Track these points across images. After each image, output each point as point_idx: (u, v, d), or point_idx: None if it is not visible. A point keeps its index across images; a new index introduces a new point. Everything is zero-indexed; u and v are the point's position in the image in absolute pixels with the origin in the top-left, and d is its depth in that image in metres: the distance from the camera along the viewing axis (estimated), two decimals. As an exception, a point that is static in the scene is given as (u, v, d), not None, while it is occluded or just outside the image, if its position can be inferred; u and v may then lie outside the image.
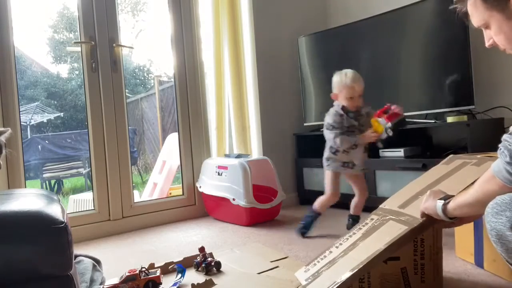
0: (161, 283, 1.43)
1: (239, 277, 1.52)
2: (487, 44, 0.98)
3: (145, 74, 7.96)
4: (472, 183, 1.00)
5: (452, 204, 1.02)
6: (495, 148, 0.89)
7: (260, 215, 2.41)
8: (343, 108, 1.97)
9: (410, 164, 2.23)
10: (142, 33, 8.09)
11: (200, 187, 2.69)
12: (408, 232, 1.12)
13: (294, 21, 3.10)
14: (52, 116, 6.24)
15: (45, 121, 6.20)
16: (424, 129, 2.51)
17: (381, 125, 1.84)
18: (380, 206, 1.37)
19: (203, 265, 1.59)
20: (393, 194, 1.41)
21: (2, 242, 0.86)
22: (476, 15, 0.95)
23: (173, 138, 3.73)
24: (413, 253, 1.20)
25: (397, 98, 2.48)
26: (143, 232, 2.44)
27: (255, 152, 2.92)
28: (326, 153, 2.04)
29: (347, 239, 1.27)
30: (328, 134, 1.99)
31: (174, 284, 1.43)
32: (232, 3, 2.80)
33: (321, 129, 2.87)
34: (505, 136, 0.85)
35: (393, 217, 1.23)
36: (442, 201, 1.04)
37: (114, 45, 2.50)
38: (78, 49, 2.48)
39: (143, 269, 1.44)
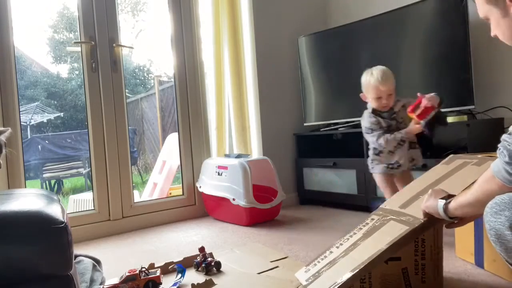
0: (161, 283, 1.43)
1: (239, 277, 1.51)
2: (491, 34, 0.98)
3: (145, 74, 7.96)
4: (473, 183, 1.00)
5: (453, 204, 1.02)
6: (495, 148, 0.89)
7: (260, 215, 2.41)
8: (373, 112, 1.86)
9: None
10: (142, 33, 8.10)
11: (200, 187, 2.68)
12: (409, 232, 1.12)
13: (294, 21, 3.10)
14: (52, 116, 6.24)
15: (45, 121, 6.19)
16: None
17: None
18: (381, 206, 1.37)
19: (203, 265, 1.59)
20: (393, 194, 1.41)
21: (2, 242, 0.86)
22: (478, 7, 0.97)
23: (173, 138, 3.73)
24: (414, 253, 1.20)
25: (397, 98, 2.48)
26: (143, 232, 2.44)
27: (255, 152, 2.92)
28: (370, 155, 1.92)
29: (348, 239, 1.27)
30: (369, 138, 1.87)
31: (174, 284, 1.43)
32: (232, 3, 2.80)
33: (321, 129, 2.89)
34: (504, 136, 0.85)
35: (394, 217, 1.23)
36: (444, 201, 1.04)
37: (114, 45, 2.50)
38: (78, 49, 2.48)
39: (143, 269, 1.44)
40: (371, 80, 1.81)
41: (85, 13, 2.41)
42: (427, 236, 1.21)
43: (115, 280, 1.43)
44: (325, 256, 1.27)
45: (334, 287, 1.08)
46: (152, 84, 6.73)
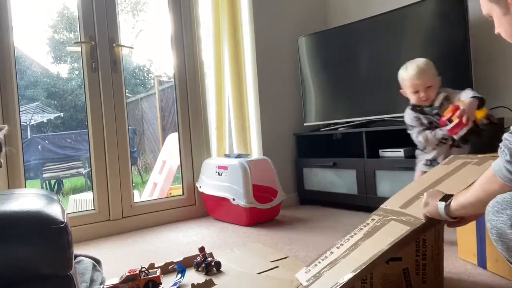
0: (161, 283, 1.43)
1: (239, 277, 1.51)
2: (495, 32, 0.98)
3: (145, 74, 7.96)
4: (473, 182, 1.00)
5: (454, 205, 1.02)
6: (495, 148, 0.89)
7: (260, 215, 2.41)
8: (414, 108, 1.77)
9: (410, 164, 2.22)
10: (142, 33, 8.10)
11: (200, 187, 2.68)
12: (410, 233, 1.12)
13: (294, 21, 3.10)
14: (52, 116, 6.25)
15: (45, 121, 6.20)
16: (424, 129, 2.51)
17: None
18: (381, 206, 1.37)
19: (203, 265, 1.59)
20: (394, 194, 1.41)
21: (2, 242, 0.86)
22: (482, 4, 0.98)
23: (173, 138, 3.73)
24: (415, 254, 1.20)
25: (398, 98, 2.48)
26: (143, 232, 2.44)
27: (255, 152, 2.92)
28: (417, 150, 1.85)
29: (348, 239, 1.27)
30: (411, 134, 1.80)
31: (174, 284, 1.43)
32: (232, 3, 2.80)
33: (321, 129, 2.89)
34: (505, 135, 0.85)
35: (395, 218, 1.23)
36: (443, 203, 1.04)
37: (114, 45, 2.50)
38: (78, 49, 2.48)
39: (143, 269, 1.44)
40: (405, 74, 1.75)
41: (85, 13, 2.41)
42: (428, 237, 1.20)
43: (115, 280, 1.43)
44: (326, 257, 1.27)
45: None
46: (152, 84, 6.74)
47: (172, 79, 2.88)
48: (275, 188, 2.52)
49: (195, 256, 1.66)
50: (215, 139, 2.87)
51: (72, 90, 6.60)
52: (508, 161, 0.82)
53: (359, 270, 1.07)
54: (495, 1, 0.91)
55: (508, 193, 0.86)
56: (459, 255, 1.58)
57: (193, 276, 1.55)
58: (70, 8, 6.96)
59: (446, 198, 1.05)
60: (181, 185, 2.89)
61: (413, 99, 1.75)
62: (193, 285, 1.35)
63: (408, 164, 2.24)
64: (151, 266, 1.56)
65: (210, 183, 2.59)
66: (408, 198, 1.30)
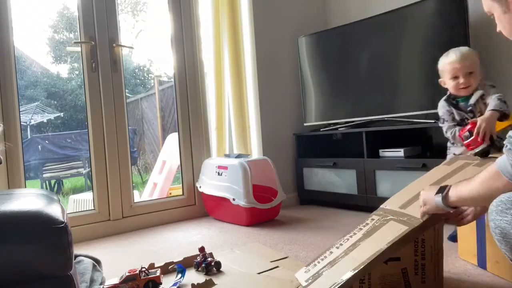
0: (161, 283, 1.43)
1: (239, 277, 1.51)
2: (497, 30, 0.98)
3: (145, 74, 7.97)
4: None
5: (453, 195, 0.99)
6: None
7: (260, 215, 2.41)
8: (448, 99, 1.65)
9: (410, 164, 2.23)
10: (142, 33, 8.10)
11: (200, 187, 2.68)
12: (408, 233, 1.12)
13: (294, 21, 3.10)
14: (52, 116, 6.25)
15: (45, 121, 6.20)
16: (424, 129, 2.52)
17: None
18: (381, 206, 1.37)
19: (203, 265, 1.59)
20: (394, 194, 1.41)
21: (2, 242, 0.86)
22: (483, 2, 0.97)
23: (173, 138, 3.73)
24: (414, 254, 1.20)
25: (398, 98, 2.48)
26: (143, 232, 2.44)
27: (255, 152, 2.92)
28: (448, 141, 1.75)
29: (348, 239, 1.27)
30: (442, 128, 1.70)
31: (174, 284, 1.43)
32: (232, 3, 2.80)
33: (321, 129, 2.89)
34: (511, 133, 0.84)
35: (394, 218, 1.23)
36: (440, 194, 1.02)
37: (114, 45, 2.50)
38: (78, 49, 2.48)
39: (143, 269, 1.44)
40: (445, 59, 1.62)
41: (85, 13, 2.42)
42: (427, 236, 1.20)
43: (115, 280, 1.43)
44: (325, 257, 1.27)
45: (335, 287, 1.08)
46: (152, 84, 6.74)
47: (172, 79, 2.88)
48: (275, 188, 2.52)
49: (195, 256, 1.66)
50: (215, 139, 2.87)
51: (72, 90, 6.60)
52: None
53: (357, 270, 1.08)
54: (496, 0, 0.92)
55: None
56: (459, 255, 1.58)
57: (193, 276, 1.56)
58: (70, 8, 6.96)
59: (442, 190, 1.03)
60: (181, 185, 2.89)
61: (451, 86, 1.61)
62: (193, 285, 1.35)
63: (408, 164, 2.24)
64: (151, 266, 1.56)
65: (210, 183, 2.59)
66: (408, 198, 1.30)
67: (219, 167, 2.54)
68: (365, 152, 2.48)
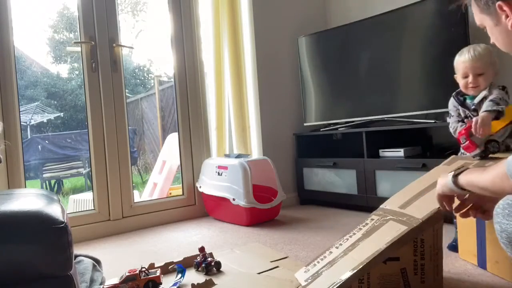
0: (161, 283, 1.43)
1: (239, 277, 1.52)
2: (490, 42, 0.98)
3: (145, 74, 7.97)
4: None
5: (463, 178, 0.98)
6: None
7: (260, 215, 2.41)
8: (456, 95, 1.67)
9: (410, 164, 2.23)
10: (142, 33, 8.10)
11: (200, 187, 2.69)
12: (408, 232, 1.12)
13: (294, 21, 3.10)
14: (52, 116, 6.25)
15: (45, 121, 6.20)
16: (424, 129, 2.52)
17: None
18: (381, 206, 1.37)
19: (203, 265, 1.59)
20: (394, 194, 1.41)
21: (2, 242, 0.86)
22: (475, 14, 0.98)
23: (173, 138, 3.73)
24: (413, 254, 1.20)
25: (398, 98, 2.48)
26: (143, 232, 2.44)
27: (255, 152, 2.92)
28: None
29: (347, 239, 1.27)
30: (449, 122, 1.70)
31: (174, 284, 1.43)
32: (232, 3, 2.80)
33: (321, 129, 2.89)
34: None
35: (393, 218, 1.23)
36: (453, 172, 1.02)
37: (114, 45, 2.50)
38: (78, 49, 2.48)
39: (143, 269, 1.44)
40: (459, 58, 1.64)
41: (85, 13, 2.42)
42: (426, 236, 1.20)
43: (115, 280, 1.43)
44: (325, 256, 1.27)
45: (333, 287, 1.08)
46: (152, 84, 6.74)
47: (172, 79, 2.88)
48: (275, 188, 2.52)
49: (195, 256, 1.66)
50: (215, 139, 2.87)
51: (72, 90, 6.60)
52: None
53: (356, 270, 1.08)
54: (486, 12, 0.92)
55: None
56: (459, 255, 1.58)
57: (193, 276, 1.56)
58: (70, 8, 6.96)
59: (457, 170, 1.02)
60: (181, 185, 2.90)
61: (461, 84, 1.65)
62: (193, 285, 1.35)
63: (408, 164, 2.24)
64: (151, 266, 1.56)
65: (210, 183, 2.59)
66: (408, 199, 1.30)
67: (219, 167, 2.54)
68: (365, 152, 2.48)
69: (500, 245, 0.90)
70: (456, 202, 1.12)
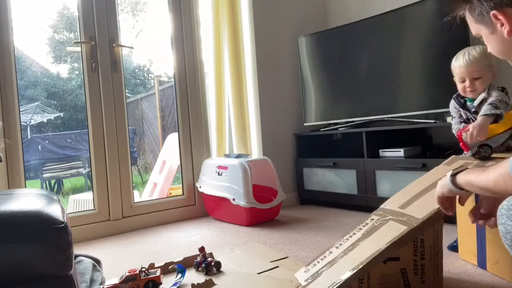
0: (161, 283, 1.43)
1: (239, 277, 1.52)
2: (488, 50, 1.00)
3: (145, 74, 7.97)
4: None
5: (462, 177, 0.99)
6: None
7: (260, 215, 2.41)
8: (457, 97, 1.68)
9: (410, 164, 2.23)
10: (142, 33, 8.10)
11: (200, 187, 2.69)
12: (408, 232, 1.12)
13: (294, 21, 3.10)
14: (52, 116, 6.25)
15: (45, 121, 6.20)
16: (424, 129, 2.52)
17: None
18: (381, 206, 1.37)
19: (203, 265, 1.59)
20: (394, 194, 1.41)
21: (2, 242, 0.86)
22: (470, 25, 1.01)
23: (173, 138, 3.73)
24: (413, 254, 1.20)
25: (398, 98, 2.48)
26: (143, 232, 2.44)
27: (255, 152, 2.92)
28: None
29: (347, 239, 1.27)
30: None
31: (174, 284, 1.43)
32: (232, 3, 2.80)
33: (321, 129, 2.89)
34: None
35: (393, 218, 1.23)
36: (451, 172, 1.03)
37: (114, 45, 2.50)
38: (78, 49, 2.48)
39: (143, 269, 1.44)
40: (455, 62, 1.64)
41: (85, 13, 2.42)
42: (426, 236, 1.20)
43: (115, 280, 1.43)
44: (325, 256, 1.27)
45: (333, 287, 1.08)
46: (152, 84, 6.74)
47: (172, 79, 2.88)
48: (275, 188, 2.52)
49: (195, 256, 1.66)
50: (215, 139, 2.87)
51: (72, 90, 6.60)
52: None
53: (356, 270, 1.08)
54: (481, 22, 0.94)
55: None
56: (459, 255, 1.58)
57: (193, 276, 1.56)
58: (70, 8, 6.96)
59: (455, 169, 1.03)
60: (181, 185, 2.89)
61: (459, 88, 1.66)
62: (193, 285, 1.35)
63: (408, 164, 2.24)
64: (151, 266, 1.56)
65: (210, 183, 2.59)
66: (408, 199, 1.30)
67: (219, 167, 2.54)
68: (365, 152, 2.48)
69: (505, 247, 0.88)
70: (458, 206, 1.12)
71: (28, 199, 1.07)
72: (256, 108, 2.91)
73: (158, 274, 1.44)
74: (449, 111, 2.18)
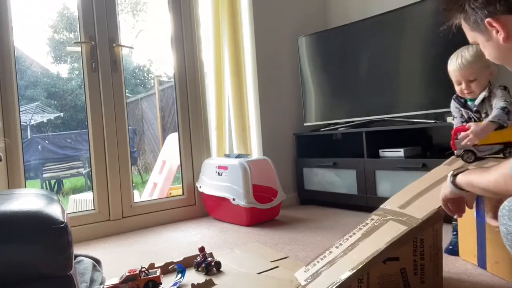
0: (161, 283, 1.43)
1: (239, 277, 1.52)
2: (486, 57, 1.01)
3: (145, 74, 7.97)
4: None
5: (462, 178, 1.00)
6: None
7: (260, 215, 2.41)
8: (456, 98, 1.67)
9: (410, 164, 2.23)
10: (142, 33, 8.10)
11: (200, 187, 2.69)
12: (407, 232, 1.12)
13: (294, 21, 3.10)
14: (52, 116, 6.25)
15: (45, 121, 6.20)
16: (424, 129, 2.52)
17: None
18: (381, 206, 1.37)
19: (203, 265, 1.59)
20: (394, 194, 1.41)
21: (2, 242, 0.86)
22: (466, 33, 1.01)
23: (173, 138, 3.73)
24: (413, 254, 1.20)
25: (398, 98, 2.48)
26: (143, 232, 2.44)
27: (255, 152, 2.92)
28: None
29: (347, 239, 1.27)
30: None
31: (174, 284, 1.43)
32: (232, 3, 2.80)
33: (321, 129, 2.89)
34: None
35: (393, 218, 1.23)
36: (452, 172, 1.04)
37: (114, 45, 2.50)
38: (78, 49, 2.48)
39: (143, 269, 1.44)
40: (449, 66, 1.63)
41: (85, 13, 2.42)
42: (426, 236, 1.21)
43: (115, 280, 1.43)
44: (325, 256, 1.27)
45: (333, 287, 1.08)
46: (152, 84, 6.74)
47: (172, 79, 2.88)
48: (275, 188, 2.52)
49: (195, 256, 1.66)
50: (215, 139, 2.87)
51: (72, 90, 6.61)
52: None
53: (356, 270, 1.08)
54: (477, 30, 0.94)
55: None
56: (460, 255, 1.58)
57: (193, 276, 1.56)
58: (70, 8, 6.96)
59: (457, 170, 1.04)
60: (181, 185, 2.90)
61: (457, 90, 1.66)
62: (193, 285, 1.35)
63: (408, 164, 2.24)
64: (151, 266, 1.56)
65: (210, 183, 2.59)
66: (408, 199, 1.30)
67: (219, 167, 2.54)
68: (365, 152, 2.48)
69: (506, 247, 0.88)
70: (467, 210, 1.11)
71: (28, 199, 1.07)
72: (256, 108, 2.91)
73: (158, 274, 1.44)
74: (449, 111, 2.18)
